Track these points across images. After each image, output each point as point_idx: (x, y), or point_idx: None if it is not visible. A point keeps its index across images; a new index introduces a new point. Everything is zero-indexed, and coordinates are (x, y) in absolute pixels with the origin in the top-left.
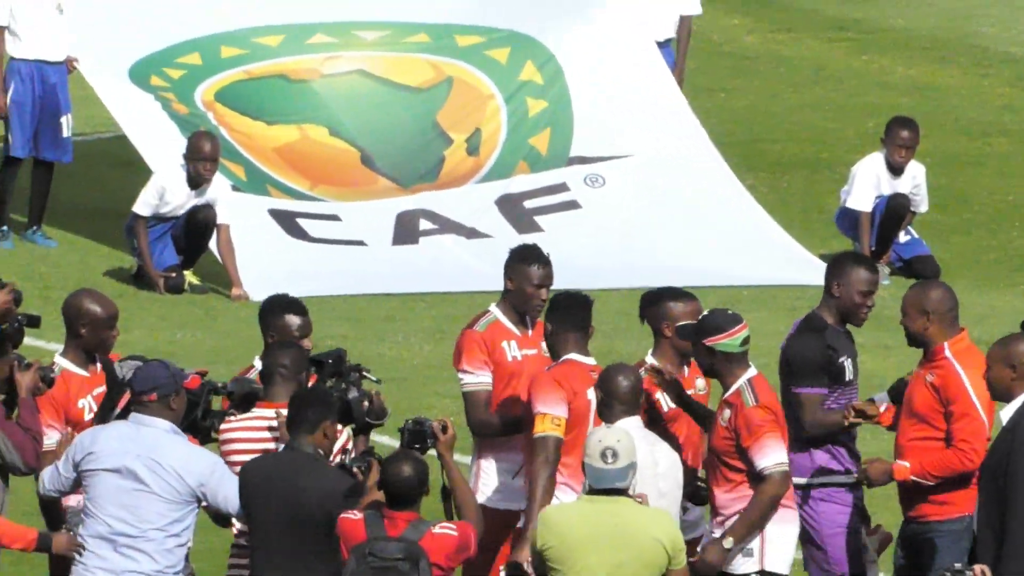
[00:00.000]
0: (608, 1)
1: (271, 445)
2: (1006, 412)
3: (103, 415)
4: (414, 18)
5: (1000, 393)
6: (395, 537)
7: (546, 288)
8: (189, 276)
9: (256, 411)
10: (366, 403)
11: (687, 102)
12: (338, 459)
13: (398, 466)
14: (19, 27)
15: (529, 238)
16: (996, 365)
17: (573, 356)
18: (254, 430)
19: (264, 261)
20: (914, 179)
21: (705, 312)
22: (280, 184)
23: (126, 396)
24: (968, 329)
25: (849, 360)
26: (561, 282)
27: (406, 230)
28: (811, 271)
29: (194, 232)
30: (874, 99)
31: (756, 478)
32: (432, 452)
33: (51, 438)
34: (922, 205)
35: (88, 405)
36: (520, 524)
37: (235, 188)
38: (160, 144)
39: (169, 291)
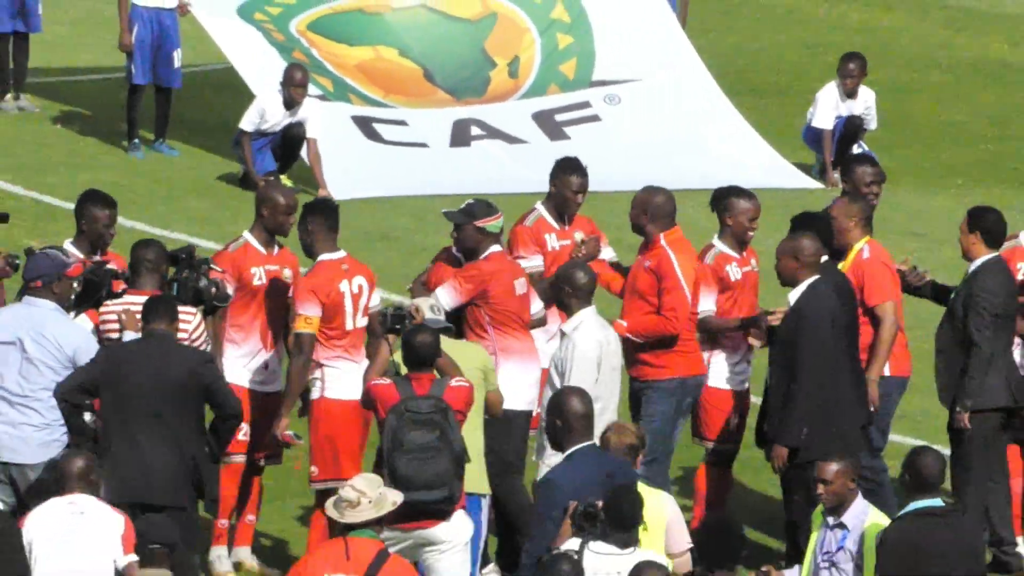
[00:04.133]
0: None
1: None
2: (793, 295)
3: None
4: None
5: (787, 280)
6: (424, 395)
7: (583, 194)
8: (284, 179)
9: (127, 297)
10: (214, 289)
11: (687, 39)
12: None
13: (420, 336)
14: None
15: (559, 145)
16: (784, 257)
17: (324, 257)
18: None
19: (345, 164)
20: (866, 103)
21: (471, 201)
22: (360, 92)
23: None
24: (908, 222)
25: None
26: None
27: (461, 135)
28: (785, 175)
29: (289, 144)
30: (834, 39)
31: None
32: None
33: (229, 288)
34: (872, 124)
35: (259, 274)
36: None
37: (323, 98)
38: (260, 70)
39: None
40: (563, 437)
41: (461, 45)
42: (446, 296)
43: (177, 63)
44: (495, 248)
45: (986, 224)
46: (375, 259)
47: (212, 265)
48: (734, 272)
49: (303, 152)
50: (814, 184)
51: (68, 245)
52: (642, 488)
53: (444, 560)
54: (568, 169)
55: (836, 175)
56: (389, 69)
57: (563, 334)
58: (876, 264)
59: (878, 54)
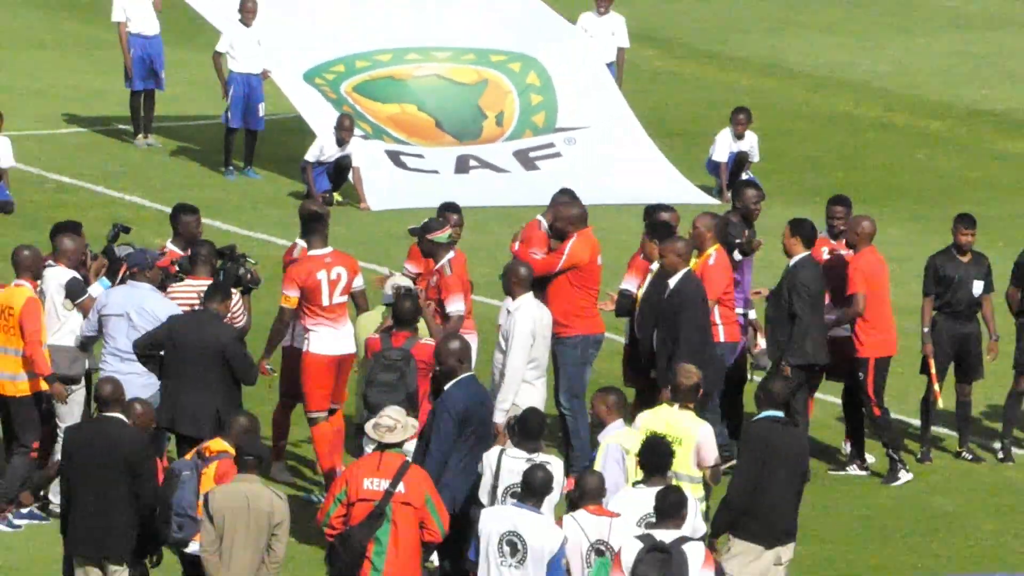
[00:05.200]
0: (576, 36)
1: (197, 302)
2: (673, 280)
3: (111, 279)
4: (467, 44)
5: (669, 271)
6: (398, 347)
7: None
8: (336, 196)
9: (188, 281)
10: (248, 276)
11: (623, 97)
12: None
13: (402, 303)
14: (235, 53)
15: (532, 174)
16: (668, 254)
17: (314, 252)
18: (189, 292)
19: (380, 185)
20: (751, 143)
21: (427, 220)
22: (390, 134)
23: (124, 267)
24: (780, 228)
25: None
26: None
27: (462, 166)
28: (692, 194)
29: (339, 170)
30: (728, 97)
31: (446, 317)
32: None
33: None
34: (755, 157)
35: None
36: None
37: (365, 137)
38: (320, 118)
39: (325, 205)
40: (457, 369)
41: (462, 102)
42: (461, 303)
43: (261, 113)
44: (451, 254)
45: (803, 231)
46: (401, 254)
47: (249, 258)
48: None
49: (350, 176)
50: (714, 201)
51: (169, 244)
52: (687, 416)
53: None
54: (564, 200)
55: (729, 194)
56: (411, 120)
57: (508, 312)
58: (716, 269)
59: (759, 108)
